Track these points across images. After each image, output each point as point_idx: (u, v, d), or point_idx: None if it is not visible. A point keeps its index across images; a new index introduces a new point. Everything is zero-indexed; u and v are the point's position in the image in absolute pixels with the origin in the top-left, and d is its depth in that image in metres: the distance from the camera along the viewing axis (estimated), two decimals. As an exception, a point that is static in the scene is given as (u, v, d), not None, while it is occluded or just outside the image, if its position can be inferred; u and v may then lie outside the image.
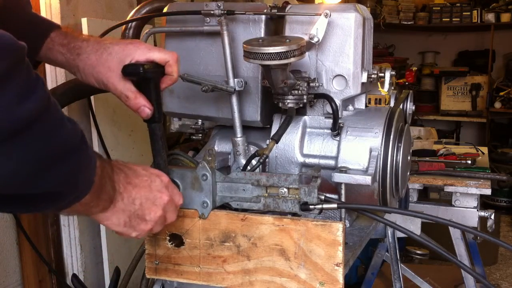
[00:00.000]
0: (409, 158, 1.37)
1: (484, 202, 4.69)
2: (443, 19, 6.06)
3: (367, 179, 1.13)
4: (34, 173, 0.68)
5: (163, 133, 1.04)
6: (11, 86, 0.61)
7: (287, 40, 1.07)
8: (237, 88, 1.23)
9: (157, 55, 1.01)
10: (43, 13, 2.05)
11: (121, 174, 0.92)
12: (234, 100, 1.24)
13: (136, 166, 0.96)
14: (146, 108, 0.98)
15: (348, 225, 1.35)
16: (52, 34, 1.05)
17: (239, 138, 1.25)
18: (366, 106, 1.36)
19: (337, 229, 0.98)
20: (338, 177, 1.15)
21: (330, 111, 1.24)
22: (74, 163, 0.74)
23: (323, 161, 1.24)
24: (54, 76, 2.07)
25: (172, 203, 0.98)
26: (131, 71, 0.98)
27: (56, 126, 0.70)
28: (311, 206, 1.01)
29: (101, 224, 0.92)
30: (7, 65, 0.61)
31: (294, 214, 1.04)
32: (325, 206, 1.03)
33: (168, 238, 1.09)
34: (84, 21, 2.12)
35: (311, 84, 1.22)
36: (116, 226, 0.91)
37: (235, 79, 1.23)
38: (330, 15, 1.17)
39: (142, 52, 1.00)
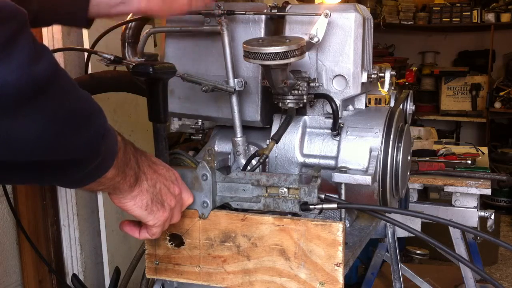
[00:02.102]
0: (409, 158, 1.37)
1: (484, 202, 4.69)
2: (443, 19, 6.06)
3: (367, 179, 1.14)
4: (56, 137, 0.69)
5: (167, 134, 1.05)
6: (20, 49, 0.62)
7: (287, 40, 1.07)
8: (237, 88, 1.23)
9: None
10: (43, 13, 2.05)
11: (142, 156, 0.93)
12: (234, 100, 1.24)
13: (149, 154, 0.98)
14: None
15: (348, 225, 1.35)
16: None
17: (239, 138, 1.25)
18: (366, 106, 1.36)
19: (337, 229, 0.98)
20: (338, 177, 1.15)
21: (330, 111, 1.24)
22: (94, 128, 0.75)
23: (323, 161, 1.24)
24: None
25: (180, 198, 0.99)
26: (140, 71, 0.98)
27: (70, 89, 0.71)
28: (311, 206, 1.01)
29: (123, 208, 0.91)
30: (14, 27, 0.62)
31: (294, 214, 1.04)
32: (325, 206, 1.03)
33: (168, 238, 1.09)
34: (84, 21, 2.12)
35: (311, 84, 1.22)
36: (138, 208, 0.91)
37: (235, 79, 1.23)
38: (330, 15, 1.17)
39: None
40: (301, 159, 1.26)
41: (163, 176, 0.96)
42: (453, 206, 2.25)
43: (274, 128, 1.27)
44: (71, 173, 0.77)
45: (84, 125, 0.73)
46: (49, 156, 0.70)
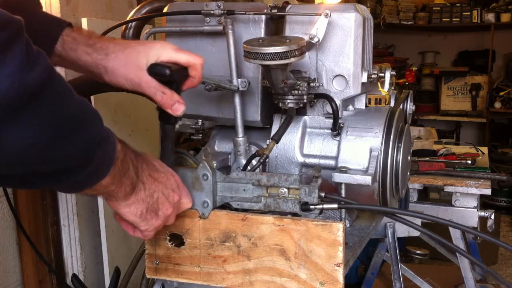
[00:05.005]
0: (409, 158, 1.37)
1: (484, 202, 4.69)
2: (443, 19, 6.06)
3: (367, 179, 1.14)
4: (49, 144, 0.68)
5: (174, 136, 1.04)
6: (13, 56, 0.62)
7: (287, 40, 1.07)
8: (240, 88, 1.23)
9: (184, 58, 1.01)
10: (43, 13, 2.05)
11: (143, 164, 0.92)
12: (237, 99, 1.24)
13: (153, 160, 0.97)
14: (181, 104, 0.98)
15: (348, 225, 1.35)
16: (65, 31, 1.03)
17: (241, 138, 1.25)
18: (366, 106, 1.36)
19: (338, 229, 0.98)
20: (338, 177, 1.15)
21: (330, 111, 1.24)
22: (89, 135, 0.74)
23: (323, 161, 1.24)
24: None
25: (179, 204, 0.99)
26: (157, 72, 0.98)
27: (65, 95, 0.70)
28: (311, 206, 1.01)
29: (118, 212, 0.91)
30: (7, 35, 0.61)
31: (294, 214, 1.04)
32: (325, 206, 1.03)
33: (168, 238, 1.09)
34: (84, 21, 2.12)
35: (311, 84, 1.22)
36: (132, 215, 0.91)
37: (239, 79, 1.23)
38: (330, 15, 1.17)
39: (168, 53, 1.00)
40: (301, 159, 1.26)
41: (163, 184, 0.95)
42: (453, 206, 2.25)
43: (274, 128, 1.27)
44: (64, 180, 0.76)
45: (78, 132, 0.72)
46: (42, 165, 0.70)
